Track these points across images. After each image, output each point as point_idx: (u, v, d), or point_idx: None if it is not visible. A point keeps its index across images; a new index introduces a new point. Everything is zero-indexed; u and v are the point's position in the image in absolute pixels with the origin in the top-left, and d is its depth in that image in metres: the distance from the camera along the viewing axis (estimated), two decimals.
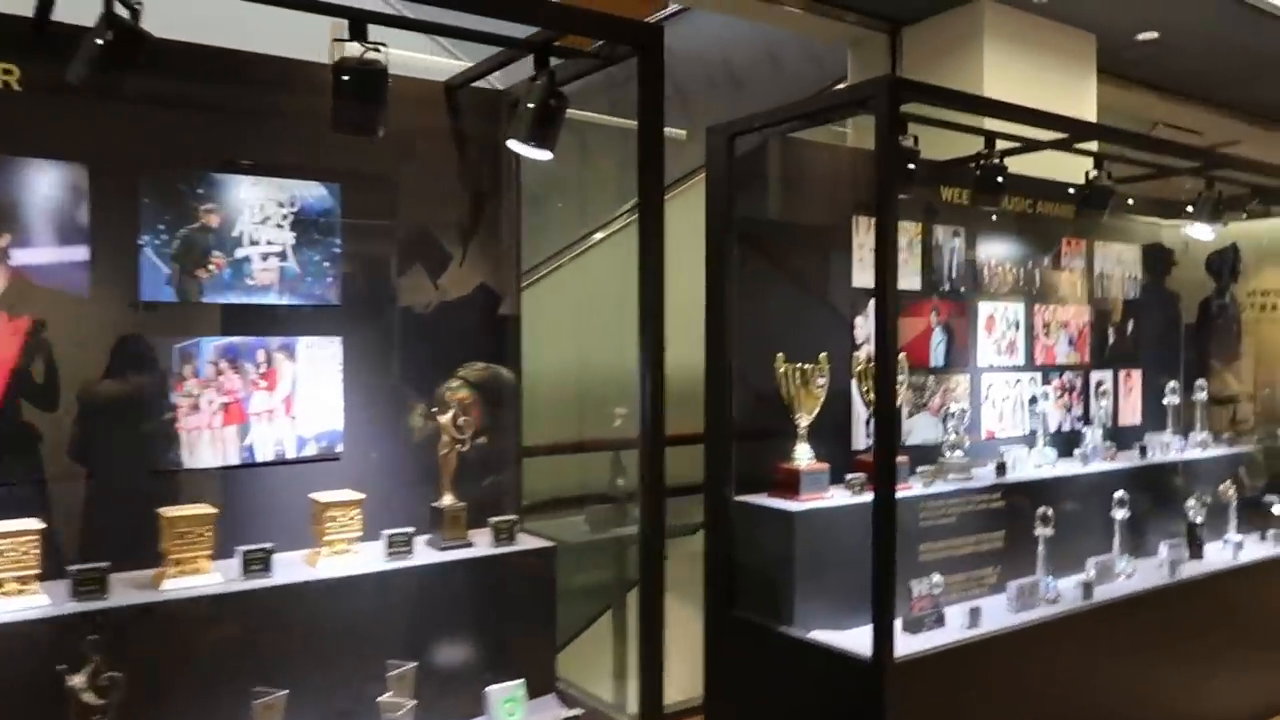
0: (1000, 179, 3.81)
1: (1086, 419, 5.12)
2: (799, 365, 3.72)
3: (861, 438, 4.13)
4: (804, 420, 3.76)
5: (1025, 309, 4.90)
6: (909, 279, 4.39)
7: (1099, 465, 4.80)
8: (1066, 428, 5.07)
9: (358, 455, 2.94)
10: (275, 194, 2.80)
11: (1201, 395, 5.46)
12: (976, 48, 4.90)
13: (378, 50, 2.35)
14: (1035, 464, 4.65)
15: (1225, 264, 6.08)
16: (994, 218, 4.74)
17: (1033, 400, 4.83)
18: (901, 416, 4.32)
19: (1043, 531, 4.09)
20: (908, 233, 4.37)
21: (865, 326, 4.22)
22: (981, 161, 3.77)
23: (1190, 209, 4.82)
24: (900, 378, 3.98)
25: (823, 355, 3.83)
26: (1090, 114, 5.43)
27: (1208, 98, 6.84)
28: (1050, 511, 4.10)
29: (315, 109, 2.52)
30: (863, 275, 4.21)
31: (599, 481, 4.40)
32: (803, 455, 3.74)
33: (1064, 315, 5.08)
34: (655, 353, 2.55)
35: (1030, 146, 4.10)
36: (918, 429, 4.39)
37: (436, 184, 3.14)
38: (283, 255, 2.81)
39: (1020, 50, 5.05)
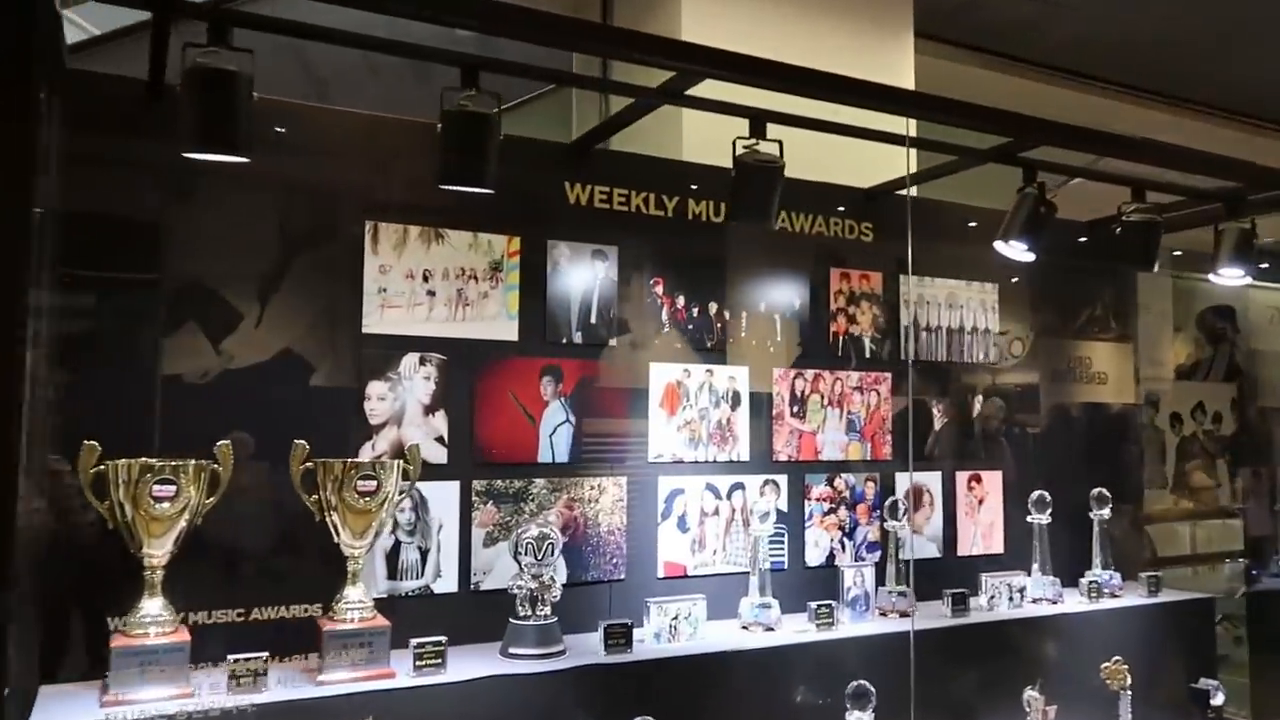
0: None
1: (884, 547, 3.28)
2: (122, 466, 2.15)
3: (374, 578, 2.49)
4: (154, 558, 2.18)
5: (752, 374, 3.16)
6: (496, 327, 2.77)
7: (863, 626, 2.97)
8: (846, 560, 3.25)
9: None
10: None
11: (1104, 513, 3.54)
12: None
13: None
14: (745, 622, 2.89)
15: None
16: (733, 235, 3.10)
17: (755, 520, 3.06)
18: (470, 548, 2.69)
19: None
20: (491, 253, 2.77)
21: (392, 400, 2.62)
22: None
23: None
24: (368, 485, 2.34)
25: (224, 444, 2.27)
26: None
27: (1099, 77, 4.80)
28: None
29: None
30: (390, 318, 2.63)
31: None
32: (147, 614, 2.15)
33: (835, 386, 3.30)
34: None
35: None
36: (501, 568, 2.71)
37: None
38: None
39: None
